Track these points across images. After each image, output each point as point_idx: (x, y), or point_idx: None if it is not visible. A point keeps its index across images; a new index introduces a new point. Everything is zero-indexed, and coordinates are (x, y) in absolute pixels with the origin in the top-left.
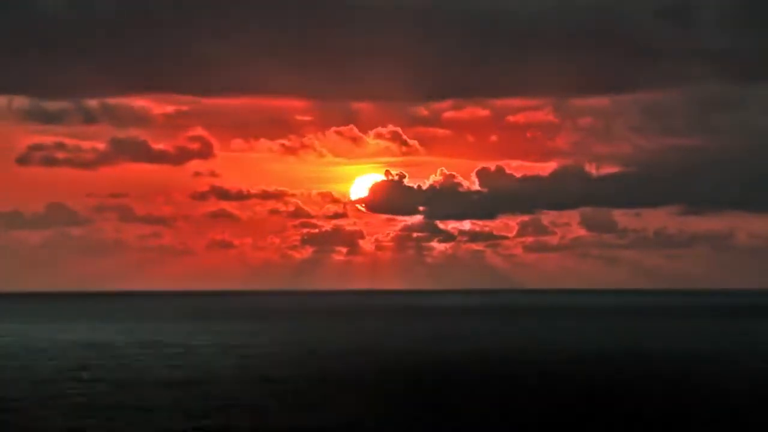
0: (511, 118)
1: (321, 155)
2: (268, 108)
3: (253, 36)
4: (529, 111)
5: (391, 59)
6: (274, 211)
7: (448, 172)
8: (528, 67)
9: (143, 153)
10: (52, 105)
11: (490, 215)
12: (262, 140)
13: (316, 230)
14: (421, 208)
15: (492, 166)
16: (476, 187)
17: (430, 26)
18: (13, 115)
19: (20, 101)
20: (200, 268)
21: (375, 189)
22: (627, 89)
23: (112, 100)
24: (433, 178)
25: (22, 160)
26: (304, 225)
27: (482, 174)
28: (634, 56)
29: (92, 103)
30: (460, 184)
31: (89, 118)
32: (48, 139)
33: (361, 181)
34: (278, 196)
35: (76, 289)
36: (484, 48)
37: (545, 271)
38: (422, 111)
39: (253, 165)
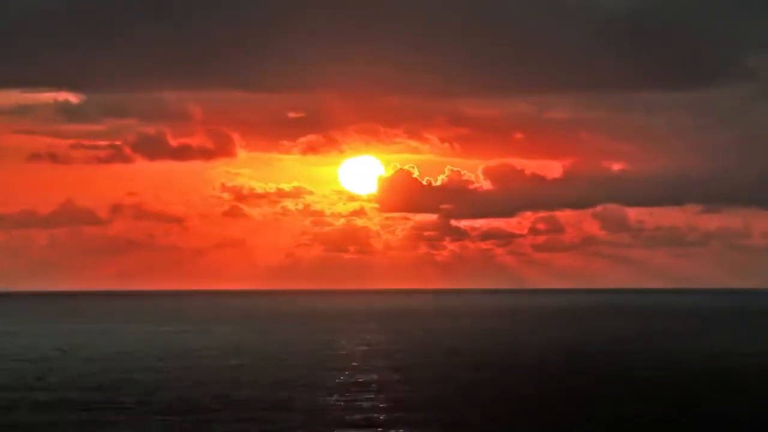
0: (530, 116)
1: (341, 152)
2: (291, 104)
3: (279, 31)
4: (549, 108)
5: (416, 55)
6: (288, 210)
7: (465, 171)
8: (554, 63)
9: (163, 150)
10: (74, 98)
11: (506, 214)
12: (283, 137)
13: (331, 229)
14: (436, 206)
15: (510, 163)
16: (493, 185)
17: (460, 21)
18: (38, 111)
19: (47, 96)
20: (212, 268)
21: (392, 187)
22: (663, 86)
23: (135, 95)
24: (450, 177)
25: (38, 157)
26: (318, 224)
27: (499, 172)
28: (668, 53)
29: (113, 97)
30: (474, 182)
31: (110, 113)
32: (67, 135)
33: (378, 179)
34: (294, 194)
35: (90, 289)
36: (513, 43)
37: (577, 270)
38: (445, 108)
39: (272, 163)
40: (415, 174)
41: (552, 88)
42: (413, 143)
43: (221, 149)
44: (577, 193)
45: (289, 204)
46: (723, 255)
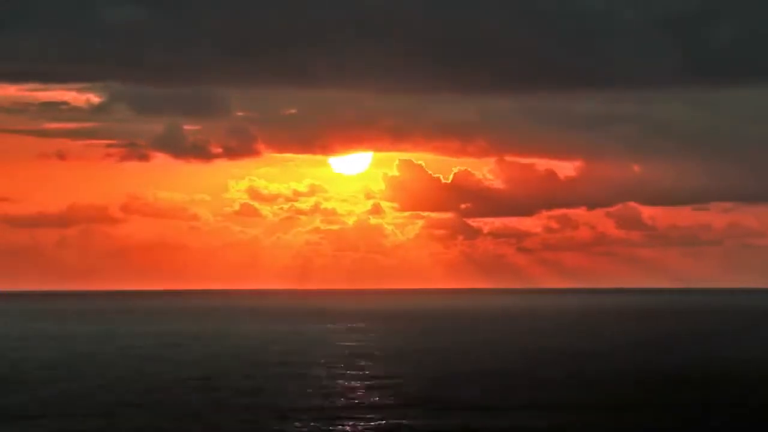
0: (550, 113)
1: (357, 151)
2: (314, 102)
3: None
4: (570, 105)
5: (433, 51)
6: (302, 210)
7: (481, 170)
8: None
9: (186, 148)
10: (95, 96)
11: (524, 212)
12: (303, 136)
13: (346, 228)
14: (453, 205)
15: (528, 162)
16: (510, 184)
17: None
18: (55, 107)
19: (66, 93)
20: (224, 267)
21: (408, 186)
22: (688, 84)
23: (158, 92)
24: (466, 175)
25: (55, 155)
26: (333, 223)
27: (517, 171)
28: (696, 51)
29: (135, 94)
30: (491, 181)
31: (132, 110)
32: (83, 133)
33: (394, 178)
34: (310, 193)
35: (102, 289)
36: (533, 39)
37: (600, 270)
38: (464, 105)
39: (292, 162)
40: (431, 172)
41: (573, 85)
42: (432, 142)
43: (244, 148)
44: (595, 192)
45: (305, 203)
46: (740, 254)
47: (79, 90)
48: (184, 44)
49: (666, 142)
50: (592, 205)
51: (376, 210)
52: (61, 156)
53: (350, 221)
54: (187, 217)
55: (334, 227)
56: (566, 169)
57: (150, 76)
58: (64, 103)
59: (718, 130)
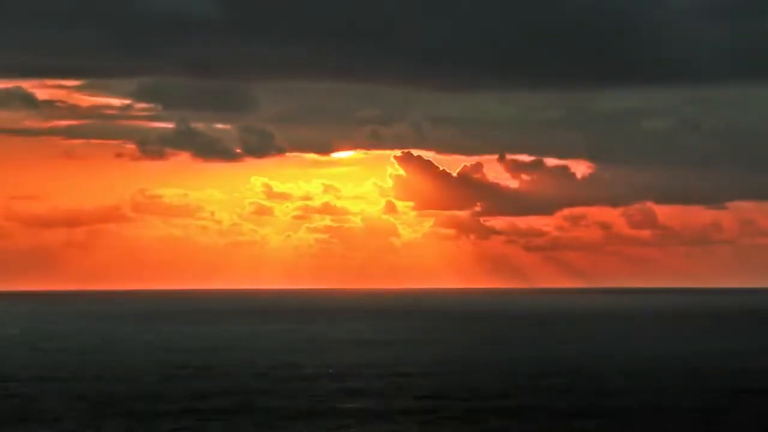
0: (567, 111)
1: (370, 150)
2: (324, 101)
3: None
4: (587, 103)
5: (448, 48)
6: (311, 209)
7: (496, 168)
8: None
9: (206, 148)
10: (114, 93)
11: (543, 212)
12: (323, 135)
13: (356, 228)
14: (468, 204)
15: (544, 161)
16: (527, 184)
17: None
18: (73, 104)
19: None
20: (237, 267)
21: (421, 185)
22: (705, 82)
23: (177, 88)
24: (481, 174)
25: (70, 154)
26: (345, 222)
27: (530, 170)
28: (714, 48)
29: (156, 92)
30: (508, 180)
31: (153, 108)
32: (94, 131)
33: (406, 176)
34: (322, 192)
35: (118, 289)
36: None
37: (614, 269)
38: (480, 103)
39: (308, 162)
40: (446, 171)
41: (588, 83)
42: (447, 141)
43: (259, 147)
44: (612, 192)
45: (317, 201)
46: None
47: (94, 87)
48: (197, 44)
49: (691, 139)
50: (612, 204)
51: (390, 208)
52: (75, 155)
53: (359, 219)
54: (200, 216)
55: (347, 226)
56: (583, 167)
57: (164, 75)
58: (74, 100)
59: (743, 129)
